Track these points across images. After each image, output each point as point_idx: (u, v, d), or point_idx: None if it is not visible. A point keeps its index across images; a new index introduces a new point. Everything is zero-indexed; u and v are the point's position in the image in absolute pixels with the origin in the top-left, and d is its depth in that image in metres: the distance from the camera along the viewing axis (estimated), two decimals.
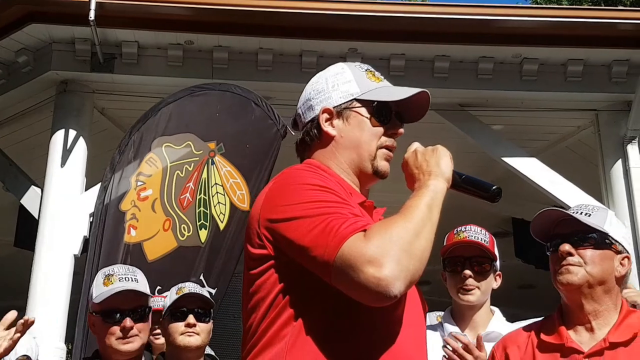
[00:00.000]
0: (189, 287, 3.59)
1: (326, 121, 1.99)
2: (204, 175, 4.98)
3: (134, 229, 4.93)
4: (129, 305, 3.06)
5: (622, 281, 2.46)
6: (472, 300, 3.24)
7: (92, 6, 5.86)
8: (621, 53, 6.48)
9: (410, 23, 6.28)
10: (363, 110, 1.98)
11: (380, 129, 1.98)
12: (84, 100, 6.53)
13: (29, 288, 6.00)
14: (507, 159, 6.66)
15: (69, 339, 5.71)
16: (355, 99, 1.98)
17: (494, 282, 3.33)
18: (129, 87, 6.54)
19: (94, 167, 6.42)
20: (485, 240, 3.30)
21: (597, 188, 6.66)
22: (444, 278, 3.37)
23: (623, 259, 2.45)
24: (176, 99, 5.31)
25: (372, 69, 2.08)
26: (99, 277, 3.21)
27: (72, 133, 6.36)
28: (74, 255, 6.08)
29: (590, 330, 2.39)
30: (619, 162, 6.55)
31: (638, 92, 6.28)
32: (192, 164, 5.02)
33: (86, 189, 6.27)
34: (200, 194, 4.95)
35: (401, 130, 2.02)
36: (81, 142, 6.38)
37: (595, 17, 6.39)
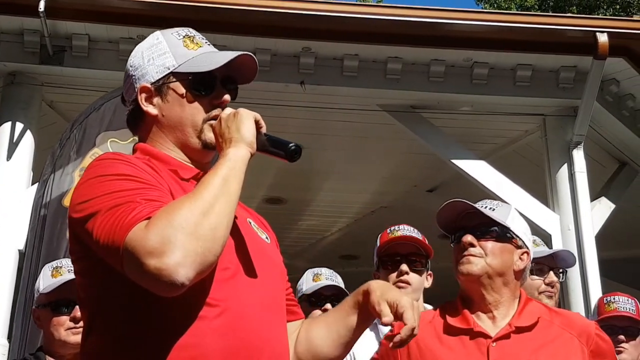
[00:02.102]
0: None
1: (145, 100, 1.90)
2: None
3: None
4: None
5: (520, 275, 2.56)
6: (407, 293, 3.30)
7: None
8: (569, 59, 6.61)
9: (364, 24, 6.31)
10: (179, 86, 1.87)
11: (202, 102, 1.87)
12: (32, 93, 6.41)
13: None
14: (456, 161, 6.74)
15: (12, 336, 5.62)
16: (172, 73, 1.88)
17: (425, 281, 3.41)
18: (78, 80, 6.44)
19: (41, 161, 6.30)
20: (419, 237, 3.39)
21: (543, 191, 6.78)
22: (377, 278, 3.44)
23: (522, 254, 2.55)
24: (120, 94, 5.25)
25: (192, 34, 1.97)
26: (47, 270, 3.18)
27: (19, 126, 6.25)
28: (19, 250, 5.98)
29: (493, 318, 2.49)
30: (565, 167, 6.67)
31: (584, 98, 6.42)
32: None
33: (32, 183, 6.15)
34: None
35: (226, 97, 1.90)
36: (28, 135, 6.27)
37: (544, 24, 6.51)
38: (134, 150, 1.93)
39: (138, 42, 6.34)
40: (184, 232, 1.54)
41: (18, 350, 4.46)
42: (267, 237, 1.96)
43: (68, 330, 2.99)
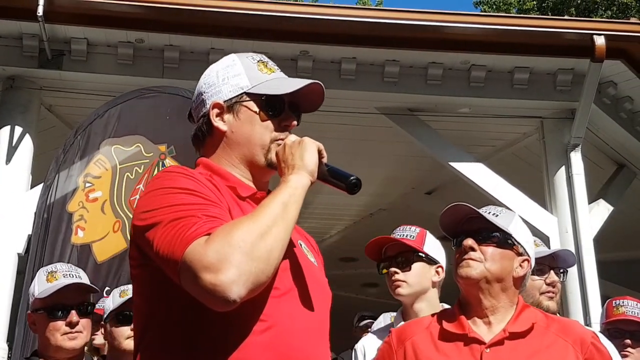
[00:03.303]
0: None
1: (216, 116, 1.96)
2: None
3: (81, 230, 4.88)
4: (75, 300, 3.04)
5: (520, 282, 2.57)
6: (401, 292, 3.33)
7: (41, 1, 5.76)
8: (566, 62, 6.63)
9: (361, 27, 6.32)
10: (253, 104, 1.94)
11: (271, 123, 1.94)
12: (31, 97, 6.42)
13: None
14: (454, 164, 6.75)
15: (12, 339, 5.62)
16: (246, 93, 1.95)
17: (434, 275, 3.41)
18: (77, 84, 6.46)
19: (41, 165, 6.31)
20: (411, 235, 3.41)
21: (541, 194, 6.80)
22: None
23: (523, 261, 2.55)
24: (124, 101, 5.26)
25: (265, 60, 2.04)
26: (41, 275, 3.17)
27: (18, 130, 6.26)
28: (18, 254, 5.99)
29: (488, 324, 2.49)
30: (563, 169, 6.69)
31: (581, 101, 6.43)
32: (142, 166, 4.99)
33: (32, 187, 6.17)
34: None
35: (294, 122, 1.99)
36: (27, 139, 6.28)
37: (541, 26, 6.52)
38: (196, 165, 2.01)
39: (136, 45, 6.37)
40: (241, 252, 1.61)
41: (20, 354, 4.47)
42: (315, 261, 2.02)
43: (64, 335, 2.98)
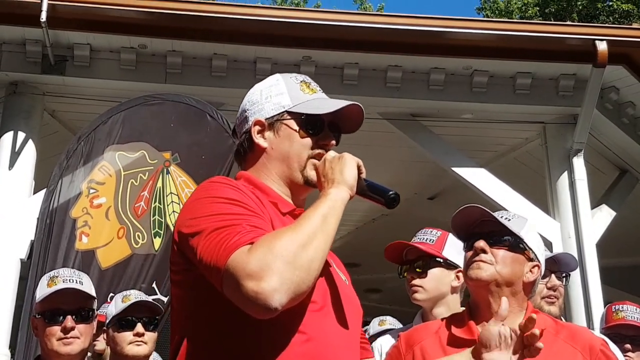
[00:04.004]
0: (135, 295, 3.57)
1: (258, 133, 2.02)
2: (159, 184, 4.97)
3: (85, 236, 4.89)
4: (72, 305, 3.02)
5: (530, 287, 2.55)
6: (418, 297, 3.32)
7: (44, 7, 5.78)
8: (568, 67, 6.63)
9: (364, 33, 6.33)
10: (293, 123, 2.00)
11: (310, 141, 2.00)
12: (34, 102, 6.43)
13: None
14: (456, 169, 6.75)
15: (14, 345, 5.62)
16: (286, 111, 2.01)
17: (453, 280, 3.37)
18: (80, 90, 6.47)
19: (43, 170, 6.32)
20: (430, 240, 3.38)
21: (544, 199, 6.79)
22: None
23: (533, 267, 2.54)
24: (128, 107, 5.27)
25: (308, 80, 2.10)
26: (44, 280, 3.17)
27: (21, 135, 6.27)
28: (20, 259, 5.99)
29: None
30: (565, 174, 6.69)
31: (584, 106, 6.43)
32: (147, 173, 5.00)
33: (34, 192, 6.18)
34: (155, 202, 4.93)
35: (333, 141, 2.04)
36: (30, 144, 6.29)
37: (543, 32, 6.53)
38: (237, 178, 2.04)
39: (139, 51, 6.38)
40: (283, 261, 1.64)
41: (23, 359, 4.47)
42: (345, 279, 2.07)
43: (59, 340, 2.97)
